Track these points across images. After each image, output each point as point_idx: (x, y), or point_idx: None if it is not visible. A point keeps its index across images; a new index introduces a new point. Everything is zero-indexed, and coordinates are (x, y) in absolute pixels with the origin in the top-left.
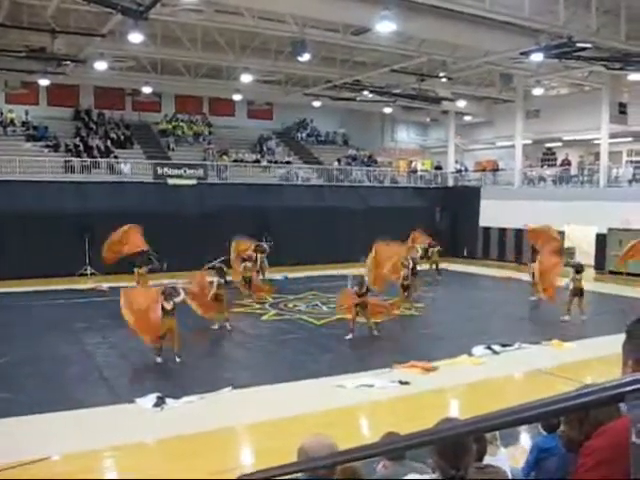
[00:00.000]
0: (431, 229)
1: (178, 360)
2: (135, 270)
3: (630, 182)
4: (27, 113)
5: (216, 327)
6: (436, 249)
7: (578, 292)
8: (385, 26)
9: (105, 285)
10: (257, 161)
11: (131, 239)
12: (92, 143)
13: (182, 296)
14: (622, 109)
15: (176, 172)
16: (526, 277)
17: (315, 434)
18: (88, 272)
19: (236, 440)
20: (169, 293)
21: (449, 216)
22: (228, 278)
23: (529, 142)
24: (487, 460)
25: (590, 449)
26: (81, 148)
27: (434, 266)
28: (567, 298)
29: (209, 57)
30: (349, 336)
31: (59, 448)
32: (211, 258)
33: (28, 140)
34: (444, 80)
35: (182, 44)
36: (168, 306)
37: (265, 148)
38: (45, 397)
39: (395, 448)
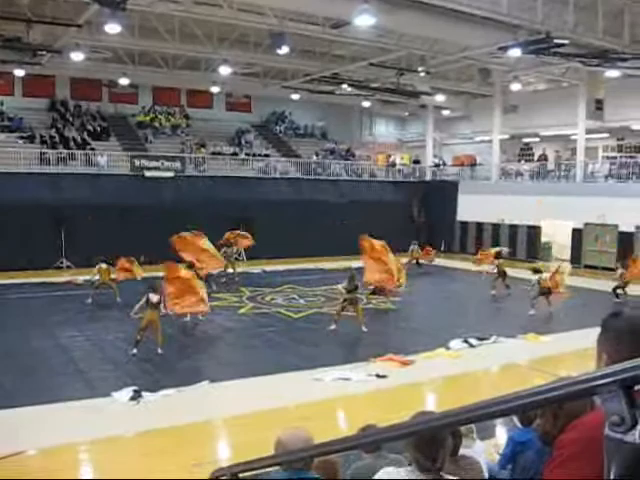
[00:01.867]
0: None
1: (160, 352)
2: (98, 265)
3: (606, 178)
4: (2, 104)
5: (187, 319)
6: (416, 247)
7: (545, 291)
8: (364, 20)
9: (80, 278)
10: (235, 154)
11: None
12: (68, 134)
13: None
14: (599, 105)
15: (153, 164)
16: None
17: (292, 427)
18: (64, 265)
19: (213, 433)
20: (157, 286)
21: (427, 210)
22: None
23: (507, 137)
24: (463, 453)
25: (564, 442)
26: (57, 140)
27: (414, 260)
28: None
29: (187, 49)
30: (333, 326)
31: (35, 442)
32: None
33: (3, 131)
34: (423, 74)
35: (160, 35)
36: (154, 299)
37: (243, 141)
38: (20, 391)
39: (372, 441)
